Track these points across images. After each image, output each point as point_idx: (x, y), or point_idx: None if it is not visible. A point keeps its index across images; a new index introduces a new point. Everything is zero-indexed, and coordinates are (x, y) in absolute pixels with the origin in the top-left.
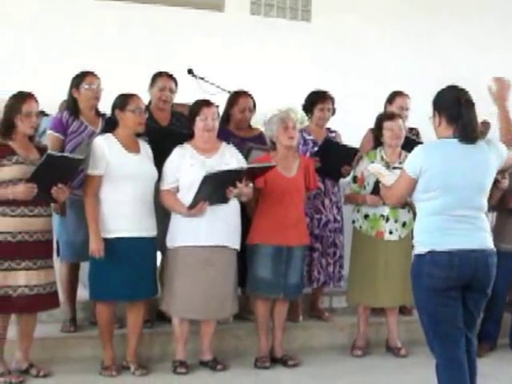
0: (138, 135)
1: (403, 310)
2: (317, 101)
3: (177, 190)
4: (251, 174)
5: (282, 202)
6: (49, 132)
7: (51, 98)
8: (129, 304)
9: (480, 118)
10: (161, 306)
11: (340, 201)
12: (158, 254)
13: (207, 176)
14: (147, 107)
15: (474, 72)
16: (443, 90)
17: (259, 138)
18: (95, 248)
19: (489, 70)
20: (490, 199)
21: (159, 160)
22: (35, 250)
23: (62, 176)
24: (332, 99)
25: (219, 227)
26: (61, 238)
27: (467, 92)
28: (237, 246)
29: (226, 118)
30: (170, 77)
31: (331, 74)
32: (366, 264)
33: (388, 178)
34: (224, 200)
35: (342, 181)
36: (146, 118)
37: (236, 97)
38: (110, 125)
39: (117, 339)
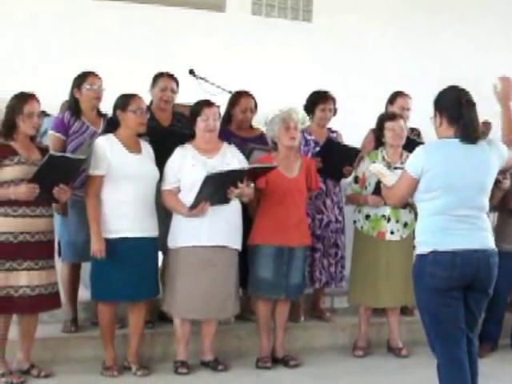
0: (140, 135)
1: (405, 311)
2: (318, 101)
3: (178, 190)
4: (252, 175)
5: (284, 202)
6: (50, 132)
7: (51, 98)
8: (130, 304)
9: (481, 118)
10: (162, 307)
11: (341, 201)
12: (160, 255)
13: (208, 176)
14: (148, 107)
15: (475, 72)
16: (444, 90)
17: (260, 139)
18: (97, 248)
19: (490, 71)
20: (491, 199)
21: (160, 160)
22: (37, 251)
23: (64, 176)
24: (333, 99)
25: (220, 227)
26: (62, 239)
27: (468, 92)
28: (238, 246)
29: (228, 119)
30: (172, 77)
31: (332, 74)
32: (368, 264)
33: (389, 178)
34: (225, 200)
35: (344, 181)
36: (148, 119)
37: (237, 97)
38: (112, 125)
39: (118, 339)
